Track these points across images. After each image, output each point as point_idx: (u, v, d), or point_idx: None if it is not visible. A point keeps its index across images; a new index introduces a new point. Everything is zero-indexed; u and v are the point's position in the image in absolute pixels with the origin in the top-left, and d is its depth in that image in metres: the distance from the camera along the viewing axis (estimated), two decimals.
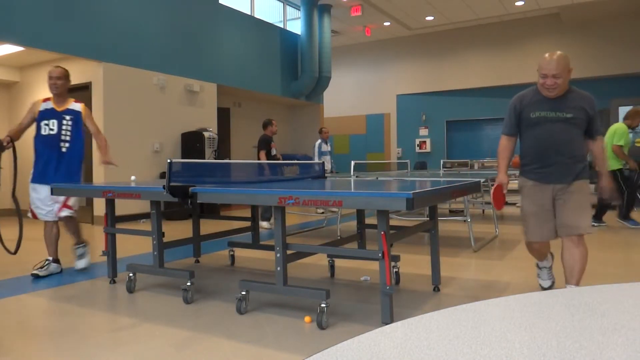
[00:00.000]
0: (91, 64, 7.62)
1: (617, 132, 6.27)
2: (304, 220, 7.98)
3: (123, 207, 7.45)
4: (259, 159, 7.24)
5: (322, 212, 7.86)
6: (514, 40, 13.29)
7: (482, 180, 4.11)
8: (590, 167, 10.01)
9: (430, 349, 0.59)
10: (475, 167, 13.23)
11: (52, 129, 4.13)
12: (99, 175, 7.59)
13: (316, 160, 8.55)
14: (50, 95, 4.28)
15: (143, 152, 8.16)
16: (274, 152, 7.42)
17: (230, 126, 11.18)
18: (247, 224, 4.60)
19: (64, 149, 4.16)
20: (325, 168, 8.44)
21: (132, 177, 4.82)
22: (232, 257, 4.58)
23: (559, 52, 2.84)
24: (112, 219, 3.87)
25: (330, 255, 4.02)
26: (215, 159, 8.60)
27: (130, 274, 3.60)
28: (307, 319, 2.85)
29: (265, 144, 7.31)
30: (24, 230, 4.37)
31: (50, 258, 4.31)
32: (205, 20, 9.38)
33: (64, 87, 4.23)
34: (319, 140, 8.94)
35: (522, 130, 3.06)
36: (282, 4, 12.21)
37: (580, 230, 2.95)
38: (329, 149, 9.11)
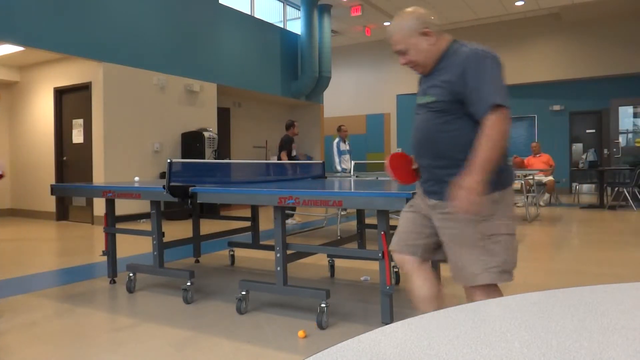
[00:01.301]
0: (91, 64, 7.62)
1: None
2: (304, 220, 7.98)
3: (123, 207, 7.45)
4: (279, 158, 7.37)
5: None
6: (514, 40, 13.28)
7: None
8: (592, 166, 9.80)
9: (430, 349, 0.59)
10: None
11: None
12: (99, 175, 7.60)
13: (336, 159, 8.42)
14: None
15: (143, 152, 8.16)
16: (294, 152, 7.50)
17: (230, 126, 11.18)
18: (247, 224, 4.60)
19: None
20: (345, 167, 8.42)
21: (136, 178, 4.82)
22: (232, 257, 4.58)
23: (400, 15, 1.94)
24: (112, 219, 3.87)
25: (330, 255, 4.02)
26: (215, 159, 8.60)
27: (130, 274, 3.60)
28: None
29: (287, 144, 7.45)
30: (24, 230, 4.36)
31: None
32: (205, 20, 9.38)
33: None
34: (337, 139, 8.54)
35: None
36: (282, 4, 12.21)
37: (458, 279, 1.85)
38: (348, 147, 8.60)
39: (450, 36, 1.94)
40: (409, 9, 1.94)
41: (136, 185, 3.85)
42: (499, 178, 1.80)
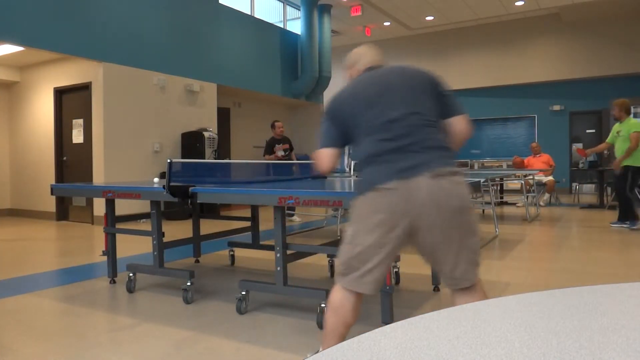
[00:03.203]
0: (91, 64, 7.62)
1: None
2: (304, 220, 7.98)
3: (123, 207, 7.45)
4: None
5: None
6: (514, 40, 13.28)
7: (482, 180, 4.12)
8: (592, 166, 9.85)
9: (430, 349, 0.59)
10: (475, 167, 13.23)
11: None
12: (99, 175, 7.60)
13: (346, 160, 8.34)
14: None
15: (143, 152, 8.16)
16: (280, 153, 7.46)
17: (230, 126, 11.18)
18: (247, 224, 4.60)
19: None
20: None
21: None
22: (232, 257, 4.58)
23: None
24: (112, 219, 3.87)
25: (330, 255, 4.02)
26: (215, 159, 8.60)
27: (130, 274, 3.60)
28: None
29: (268, 147, 7.49)
30: (24, 230, 4.35)
31: None
32: (205, 20, 9.38)
33: None
34: None
35: None
36: (282, 4, 12.21)
37: None
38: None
39: (368, 67, 2.10)
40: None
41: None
42: (357, 187, 1.87)
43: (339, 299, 1.86)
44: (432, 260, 1.81)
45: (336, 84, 15.20)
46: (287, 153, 7.55)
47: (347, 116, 1.90)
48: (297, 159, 7.58)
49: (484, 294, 1.87)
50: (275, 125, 7.61)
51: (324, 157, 1.96)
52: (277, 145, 7.54)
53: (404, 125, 1.80)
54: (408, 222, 1.72)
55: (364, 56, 2.10)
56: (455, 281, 1.79)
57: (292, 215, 7.72)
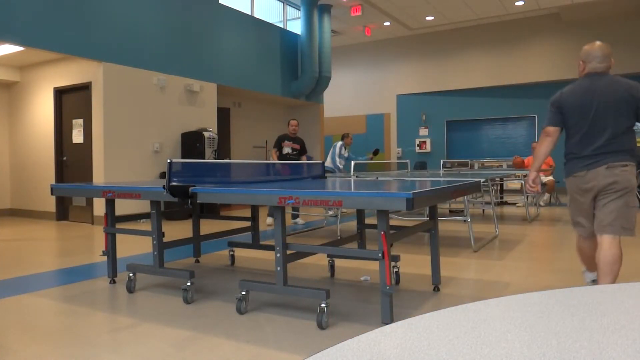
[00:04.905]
0: (91, 64, 7.62)
1: None
2: (304, 221, 7.98)
3: (123, 207, 7.46)
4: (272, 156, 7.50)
5: (331, 213, 7.85)
6: (514, 40, 13.28)
7: (482, 180, 4.12)
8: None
9: (430, 349, 0.59)
10: (475, 167, 13.23)
11: None
12: (99, 175, 7.60)
13: (337, 159, 8.39)
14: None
15: (143, 152, 8.16)
16: (285, 150, 7.45)
17: (230, 126, 11.18)
18: (247, 224, 4.60)
19: None
20: (339, 167, 8.45)
21: None
22: (232, 257, 4.58)
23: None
24: (112, 219, 3.87)
25: (330, 255, 4.02)
26: (215, 159, 8.60)
27: (130, 274, 3.60)
28: None
29: (277, 142, 7.49)
30: (24, 230, 4.35)
31: None
32: (205, 20, 9.38)
33: None
34: (341, 143, 8.51)
35: None
36: (282, 4, 12.21)
37: None
38: (347, 155, 8.55)
39: (592, 72, 2.93)
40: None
41: None
42: (565, 172, 3.09)
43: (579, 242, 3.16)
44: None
45: (336, 84, 15.22)
46: (294, 152, 7.53)
47: (565, 112, 2.95)
48: (291, 157, 7.54)
49: (611, 245, 3.06)
50: (290, 123, 7.62)
51: (549, 130, 3.04)
52: (286, 142, 7.53)
53: (599, 138, 2.82)
54: (593, 194, 2.90)
55: (593, 58, 2.89)
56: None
57: (297, 216, 7.67)
